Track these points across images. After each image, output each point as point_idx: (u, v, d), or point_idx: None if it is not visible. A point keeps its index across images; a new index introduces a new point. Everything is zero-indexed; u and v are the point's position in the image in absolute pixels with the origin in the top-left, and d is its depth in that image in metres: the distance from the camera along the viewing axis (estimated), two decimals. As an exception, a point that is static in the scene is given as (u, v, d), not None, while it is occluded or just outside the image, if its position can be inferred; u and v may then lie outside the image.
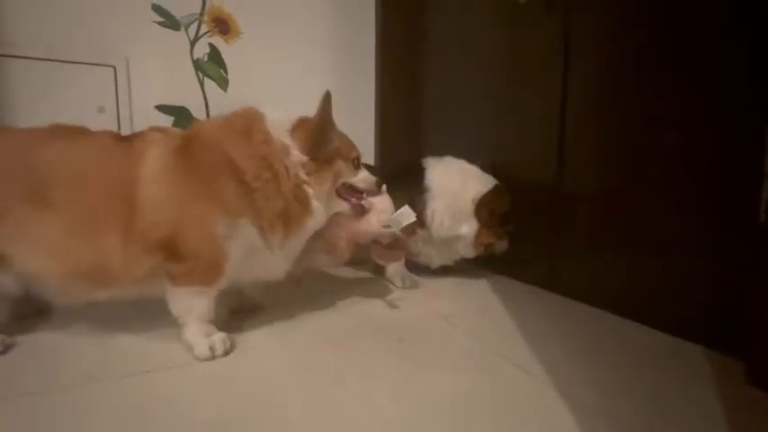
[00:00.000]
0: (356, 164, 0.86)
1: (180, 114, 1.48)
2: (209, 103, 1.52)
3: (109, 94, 1.38)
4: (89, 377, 0.63)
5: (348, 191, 0.86)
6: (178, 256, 0.67)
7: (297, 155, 0.75)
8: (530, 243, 1.15)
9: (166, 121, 1.46)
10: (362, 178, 0.87)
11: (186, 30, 1.46)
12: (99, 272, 0.68)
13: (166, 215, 0.67)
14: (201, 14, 1.47)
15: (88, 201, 0.68)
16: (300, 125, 0.78)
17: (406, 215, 0.88)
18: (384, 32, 1.70)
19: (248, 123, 0.75)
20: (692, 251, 0.79)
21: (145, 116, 1.43)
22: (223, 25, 1.50)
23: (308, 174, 0.76)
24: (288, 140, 0.76)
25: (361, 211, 0.87)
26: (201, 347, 0.69)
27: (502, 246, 1.16)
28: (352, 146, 0.86)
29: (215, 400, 0.58)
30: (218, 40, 1.51)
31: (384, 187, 0.91)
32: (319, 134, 0.77)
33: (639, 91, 0.88)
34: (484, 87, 1.33)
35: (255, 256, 0.74)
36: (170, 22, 1.43)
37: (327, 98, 0.77)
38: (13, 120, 1.27)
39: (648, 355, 0.74)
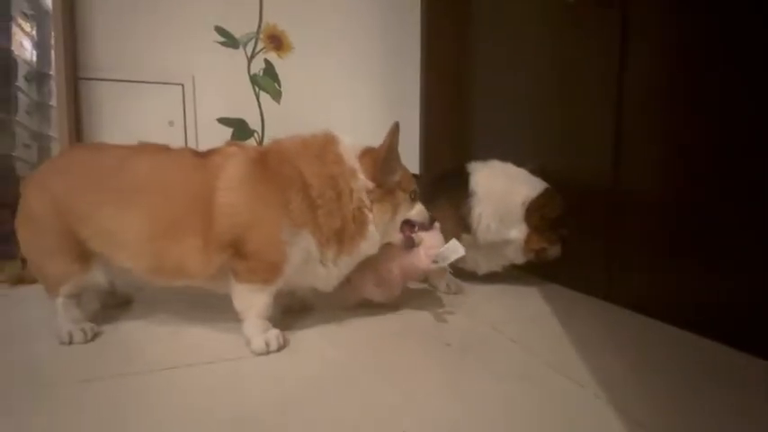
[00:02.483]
0: (413, 197, 0.89)
1: (238, 126, 1.59)
2: (264, 115, 1.61)
3: (177, 109, 1.51)
4: (162, 364, 0.69)
5: (403, 224, 0.88)
6: (244, 255, 0.74)
7: (362, 180, 0.81)
8: (584, 250, 1.10)
9: (227, 132, 1.57)
10: (418, 212, 0.90)
11: (244, 47, 1.57)
12: (179, 269, 0.77)
13: (239, 218, 0.74)
14: (258, 33, 1.57)
15: (172, 208, 0.76)
16: (368, 152, 0.84)
17: (454, 249, 0.86)
18: (429, 39, 1.72)
19: (323, 144, 0.82)
20: (759, 261, 0.72)
21: (208, 128, 1.55)
22: (277, 41, 1.60)
23: (371, 200, 0.81)
24: (356, 165, 0.81)
25: (411, 245, 0.88)
26: (258, 342, 0.74)
27: (555, 251, 1.12)
28: (411, 180, 0.90)
29: (267, 393, 0.61)
30: (272, 56, 1.60)
31: (437, 224, 0.93)
32: (385, 163, 0.82)
33: (704, 89, 0.82)
34: (533, 89, 1.30)
35: (310, 265, 0.79)
36: (230, 41, 1.55)
37: (396, 129, 0.82)
38: (98, 133, 1.44)
39: (710, 371, 0.68)
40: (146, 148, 0.84)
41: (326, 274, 0.82)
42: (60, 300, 0.79)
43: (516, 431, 0.52)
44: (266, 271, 0.75)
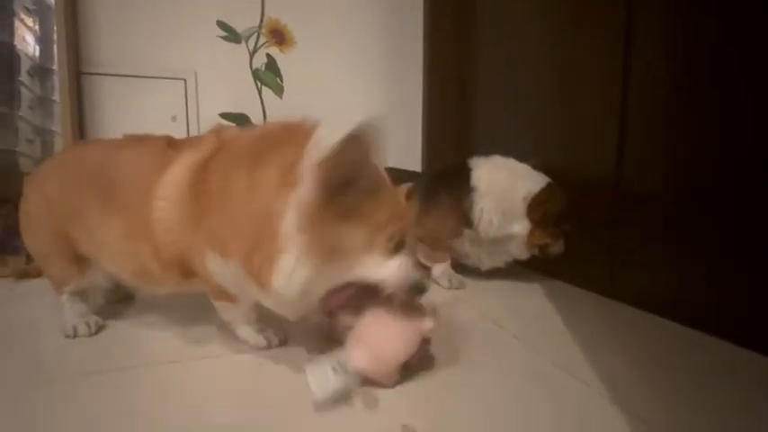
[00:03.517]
0: (395, 246, 0.56)
1: (241, 121, 1.58)
2: (266, 110, 1.61)
3: (180, 104, 1.51)
4: (164, 358, 0.69)
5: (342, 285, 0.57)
6: (193, 275, 0.67)
7: (303, 191, 0.52)
8: (586, 246, 1.09)
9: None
10: (392, 272, 0.56)
11: (246, 42, 1.56)
12: (149, 275, 0.70)
13: (172, 236, 0.64)
14: (260, 27, 1.57)
15: (131, 210, 0.69)
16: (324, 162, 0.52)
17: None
18: (432, 35, 1.71)
19: (282, 141, 0.57)
20: (761, 258, 0.72)
21: (211, 123, 1.54)
22: (279, 36, 1.59)
23: (301, 225, 0.52)
24: (308, 171, 0.53)
25: (328, 315, 0.62)
26: (256, 339, 0.73)
27: (558, 247, 1.12)
28: (398, 217, 0.57)
29: (268, 387, 0.61)
30: (274, 51, 1.60)
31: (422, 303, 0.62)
32: (333, 173, 0.51)
33: (708, 88, 0.81)
34: (536, 88, 1.29)
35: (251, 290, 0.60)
36: (232, 36, 1.54)
37: (361, 133, 0.53)
38: (100, 128, 1.44)
39: (712, 367, 0.68)
40: (126, 141, 0.78)
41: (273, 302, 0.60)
42: (65, 296, 0.80)
43: (519, 428, 0.52)
44: (221, 292, 0.67)
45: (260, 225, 0.54)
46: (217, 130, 0.71)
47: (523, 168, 1.13)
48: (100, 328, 0.80)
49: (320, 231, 0.52)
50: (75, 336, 0.77)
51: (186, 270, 0.67)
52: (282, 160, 0.55)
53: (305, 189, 0.52)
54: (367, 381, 0.57)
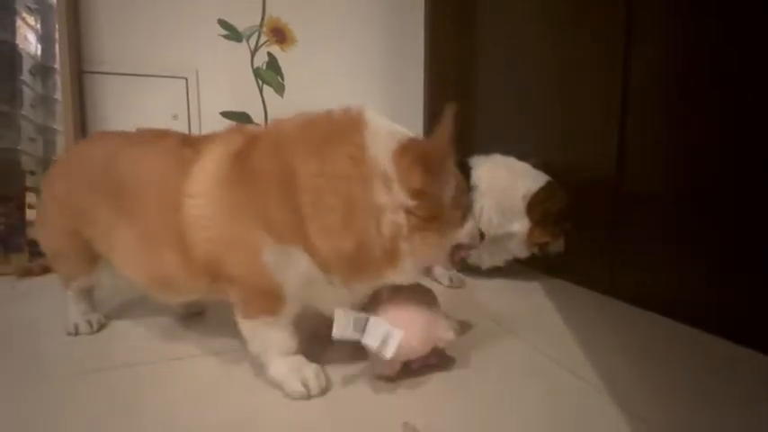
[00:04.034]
0: (465, 214, 0.62)
1: (242, 120, 1.59)
2: (268, 109, 1.61)
3: (181, 102, 1.52)
4: (167, 355, 0.70)
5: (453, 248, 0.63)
6: (228, 280, 0.58)
7: (399, 194, 0.52)
8: (587, 245, 1.09)
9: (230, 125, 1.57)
10: (468, 232, 0.63)
11: (248, 41, 1.56)
12: (170, 284, 0.65)
13: (210, 234, 0.57)
14: (261, 26, 1.57)
15: (149, 213, 0.64)
16: (410, 148, 0.54)
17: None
18: (433, 33, 1.71)
19: (338, 129, 0.55)
20: (761, 257, 0.72)
21: (212, 122, 1.55)
22: (280, 35, 1.59)
23: (410, 225, 0.53)
24: (390, 167, 0.53)
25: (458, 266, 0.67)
26: (292, 383, 0.57)
27: (558, 246, 1.12)
28: (465, 189, 0.64)
29: (269, 386, 0.62)
30: (275, 49, 1.60)
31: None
32: (440, 170, 0.54)
33: (708, 86, 0.81)
34: (536, 83, 1.29)
35: (315, 287, 0.57)
36: (233, 34, 1.54)
37: (451, 117, 0.55)
38: (102, 126, 1.44)
39: (711, 365, 0.68)
40: (138, 136, 0.75)
41: (335, 296, 0.58)
42: (70, 292, 0.80)
43: (519, 425, 0.52)
44: (262, 301, 0.57)
45: (353, 214, 0.51)
46: (236, 127, 0.67)
47: (523, 167, 1.13)
48: (102, 326, 0.81)
49: (430, 230, 0.54)
50: (76, 333, 0.78)
51: (218, 273, 0.58)
52: (349, 147, 0.53)
53: (412, 179, 0.52)
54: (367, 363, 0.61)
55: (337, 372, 0.65)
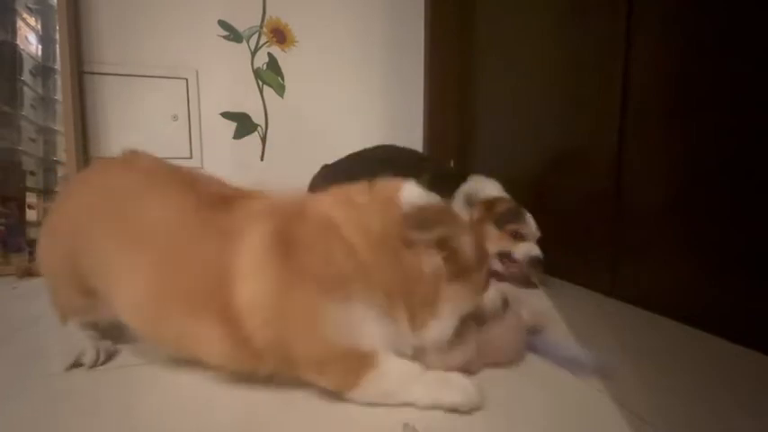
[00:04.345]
0: (487, 281, 0.65)
1: (242, 120, 1.59)
2: (268, 109, 1.61)
3: (181, 103, 1.52)
4: (166, 357, 0.70)
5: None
6: (305, 367, 0.55)
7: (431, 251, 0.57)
8: (588, 245, 1.10)
9: (231, 126, 1.58)
10: (491, 297, 0.66)
11: (248, 41, 1.56)
12: (193, 351, 0.60)
13: (269, 315, 0.54)
14: (261, 26, 1.57)
15: (181, 277, 0.59)
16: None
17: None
18: (433, 31, 1.71)
19: (382, 206, 0.58)
20: (760, 258, 0.72)
21: (212, 122, 1.55)
22: (280, 35, 1.59)
23: (446, 274, 0.57)
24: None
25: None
26: (453, 395, 0.54)
27: (525, 250, 1.11)
28: (486, 257, 0.67)
29: (269, 387, 0.62)
30: (275, 50, 1.60)
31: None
32: (436, 226, 0.57)
33: (710, 82, 0.81)
34: (535, 89, 1.29)
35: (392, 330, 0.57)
36: (233, 35, 1.55)
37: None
38: (103, 126, 1.45)
39: (714, 366, 0.68)
40: (167, 182, 0.66)
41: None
42: (72, 324, 0.71)
43: (519, 426, 0.53)
44: (352, 366, 0.54)
45: (408, 279, 0.56)
46: (259, 196, 0.65)
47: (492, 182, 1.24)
48: (110, 357, 0.69)
49: (462, 273, 0.58)
50: (79, 364, 0.66)
51: (288, 357, 0.55)
52: (387, 219, 0.57)
53: (464, 246, 0.58)
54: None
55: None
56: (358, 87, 1.70)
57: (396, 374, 0.55)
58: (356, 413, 0.54)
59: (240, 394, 0.59)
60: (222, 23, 1.53)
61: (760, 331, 0.71)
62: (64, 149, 1.34)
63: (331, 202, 0.60)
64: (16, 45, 1.29)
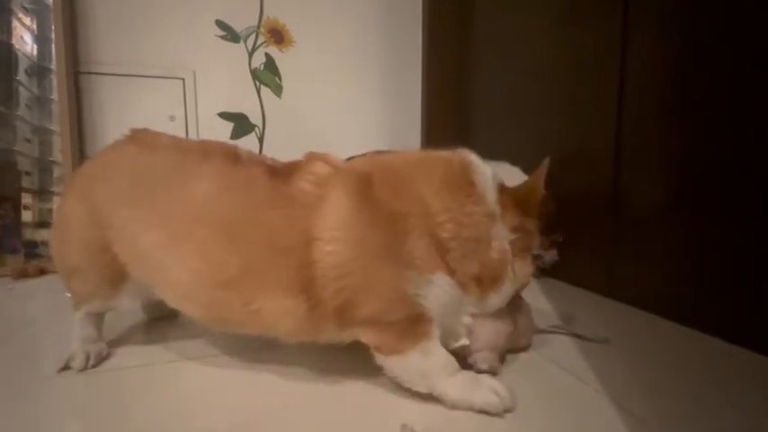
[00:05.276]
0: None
1: (239, 121, 1.58)
2: (265, 110, 1.61)
3: (178, 103, 1.51)
4: (164, 358, 0.70)
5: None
6: (363, 323, 0.56)
7: (503, 228, 0.60)
8: (585, 245, 1.10)
9: (228, 127, 1.57)
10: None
11: (245, 42, 1.56)
12: (260, 327, 0.60)
13: (348, 278, 0.54)
14: (259, 26, 1.57)
15: (245, 254, 0.57)
16: (507, 191, 0.63)
17: None
18: (431, 34, 1.71)
19: (457, 171, 0.60)
20: (758, 259, 0.72)
21: (209, 123, 1.55)
22: (278, 35, 1.59)
23: (513, 255, 0.61)
24: (495, 206, 0.60)
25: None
26: (485, 396, 0.54)
27: (551, 257, 1.12)
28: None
29: (268, 387, 0.62)
30: (273, 50, 1.60)
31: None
32: (532, 211, 0.62)
33: (709, 83, 0.81)
34: (534, 86, 1.29)
35: (453, 310, 0.59)
36: (231, 35, 1.54)
37: (545, 167, 0.62)
38: (99, 126, 1.44)
39: (707, 365, 0.69)
40: (209, 157, 0.63)
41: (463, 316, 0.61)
42: (79, 314, 0.69)
43: (517, 426, 0.53)
44: (414, 328, 0.55)
45: (479, 244, 0.58)
46: (322, 158, 0.64)
47: (514, 172, 1.13)
48: (100, 361, 0.68)
49: (527, 250, 0.63)
50: (66, 367, 0.65)
51: (351, 318, 0.55)
52: (470, 188, 0.59)
53: (512, 217, 0.61)
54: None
55: (336, 373, 0.65)
56: (356, 88, 1.70)
57: (439, 360, 0.56)
58: (355, 414, 0.54)
59: (239, 395, 0.59)
60: (219, 23, 1.53)
61: (757, 331, 0.72)
62: (60, 150, 1.34)
63: (413, 173, 0.60)
64: (12, 45, 1.29)
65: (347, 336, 0.59)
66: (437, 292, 0.56)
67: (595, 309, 0.98)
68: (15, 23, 1.30)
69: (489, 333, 0.63)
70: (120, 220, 0.62)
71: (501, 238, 0.59)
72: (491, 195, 0.60)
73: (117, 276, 0.66)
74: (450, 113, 1.73)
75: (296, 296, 0.55)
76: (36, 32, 1.34)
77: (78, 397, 0.58)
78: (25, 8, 1.31)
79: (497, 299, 0.61)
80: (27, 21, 1.32)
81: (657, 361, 0.70)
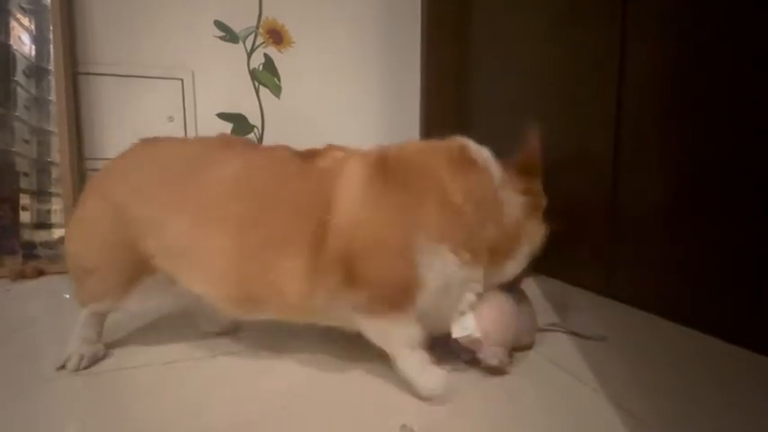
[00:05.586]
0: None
1: (238, 121, 1.58)
2: (264, 110, 1.61)
3: (177, 104, 1.51)
4: (162, 359, 0.69)
5: None
6: (361, 281, 0.58)
7: (513, 194, 0.65)
8: (584, 246, 1.10)
9: (226, 127, 1.57)
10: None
11: (244, 42, 1.56)
12: (271, 297, 0.62)
13: (360, 233, 0.58)
14: (257, 27, 1.57)
15: (270, 222, 0.61)
16: (511, 164, 0.68)
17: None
18: (430, 35, 1.71)
19: (460, 152, 0.66)
20: (757, 259, 0.72)
21: (208, 123, 1.54)
22: (277, 36, 1.59)
23: (525, 215, 0.65)
24: (500, 176, 0.65)
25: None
26: (425, 381, 0.57)
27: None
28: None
29: (266, 388, 0.62)
30: (272, 51, 1.59)
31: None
32: (536, 173, 0.68)
33: (706, 87, 0.81)
34: (532, 87, 1.29)
35: (450, 286, 0.61)
36: (229, 36, 1.54)
37: (536, 134, 0.68)
38: (97, 127, 1.44)
39: (706, 364, 0.69)
40: (230, 144, 0.69)
41: (464, 294, 0.63)
42: (84, 314, 0.70)
43: (516, 425, 0.53)
44: (393, 297, 0.58)
45: (494, 211, 0.63)
46: (340, 147, 0.70)
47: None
48: (95, 362, 0.68)
49: (538, 209, 0.68)
50: (63, 367, 0.65)
51: (350, 276, 0.58)
52: (476, 165, 0.65)
53: (519, 182, 0.66)
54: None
55: (335, 372, 0.65)
56: (355, 88, 1.70)
57: (407, 332, 0.60)
58: (355, 414, 0.54)
59: (237, 396, 0.59)
60: (218, 24, 1.52)
61: (757, 331, 0.72)
62: (58, 150, 1.33)
63: (423, 154, 0.65)
64: (10, 45, 1.28)
65: (340, 305, 0.60)
66: (439, 265, 0.59)
67: (594, 309, 0.98)
68: (13, 24, 1.29)
69: (498, 327, 0.63)
70: (148, 210, 0.64)
71: (511, 201, 0.64)
72: (493, 167, 0.65)
73: (133, 276, 0.67)
74: (450, 114, 1.73)
75: (302, 255, 0.59)
76: (34, 33, 1.34)
77: (77, 398, 0.58)
78: (23, 9, 1.31)
79: (514, 265, 0.65)
80: (25, 21, 1.32)
81: (656, 361, 0.70)
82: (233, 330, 0.81)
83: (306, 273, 0.59)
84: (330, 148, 0.69)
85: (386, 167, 0.63)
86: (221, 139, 0.71)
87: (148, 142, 0.74)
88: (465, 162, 0.64)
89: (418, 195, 0.60)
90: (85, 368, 0.66)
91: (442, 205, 0.60)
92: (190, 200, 0.63)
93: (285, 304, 0.62)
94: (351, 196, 0.60)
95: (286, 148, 0.69)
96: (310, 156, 0.67)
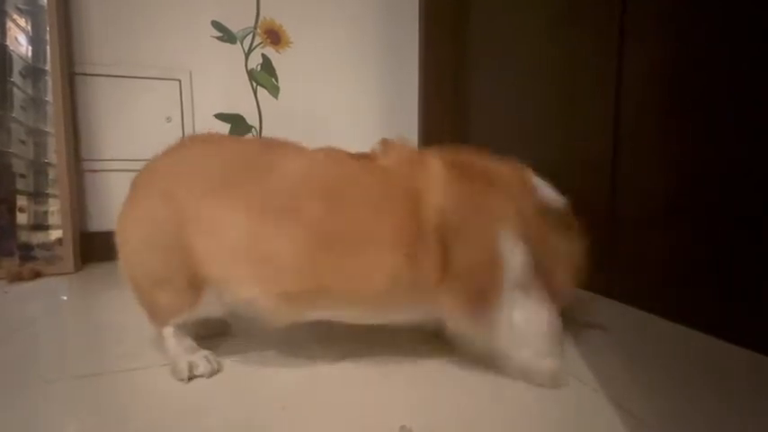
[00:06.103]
0: None
1: (236, 122, 1.58)
2: (262, 111, 1.61)
3: (175, 105, 1.50)
4: (163, 361, 0.69)
5: None
6: (452, 272, 0.60)
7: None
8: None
9: (224, 127, 1.57)
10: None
11: (241, 42, 1.56)
12: (351, 289, 0.61)
13: (448, 223, 0.60)
14: (255, 27, 1.56)
15: (345, 218, 0.61)
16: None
17: None
18: (428, 35, 1.71)
19: (527, 174, 0.74)
20: (756, 258, 0.72)
21: (206, 124, 1.54)
22: (274, 36, 1.59)
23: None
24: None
25: None
26: (544, 364, 0.62)
27: None
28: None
29: (265, 387, 0.61)
30: (270, 51, 1.59)
31: None
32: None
33: (705, 86, 0.81)
34: (531, 89, 1.29)
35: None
36: (227, 36, 1.54)
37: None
38: (95, 128, 1.43)
39: (706, 364, 0.69)
40: (288, 143, 0.69)
41: None
42: (169, 329, 0.66)
43: (516, 425, 0.52)
44: (483, 291, 0.60)
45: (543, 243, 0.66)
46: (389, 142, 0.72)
47: None
48: (220, 367, 0.66)
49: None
50: (192, 376, 0.63)
51: (447, 265, 0.60)
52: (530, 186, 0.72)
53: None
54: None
55: (335, 372, 0.65)
56: (353, 88, 1.70)
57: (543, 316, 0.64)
58: (354, 414, 0.54)
59: (237, 397, 0.59)
60: (216, 24, 1.52)
61: (757, 331, 0.72)
62: (54, 151, 1.33)
63: (491, 162, 0.70)
64: (6, 46, 1.28)
65: (432, 303, 0.62)
66: (519, 257, 0.61)
67: (594, 309, 0.98)
68: (9, 24, 1.29)
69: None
70: (208, 210, 0.60)
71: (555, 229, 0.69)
72: (548, 194, 0.73)
73: (198, 279, 0.62)
74: (448, 114, 1.73)
75: (392, 246, 0.59)
76: (30, 34, 1.33)
77: (78, 399, 0.58)
78: (19, 9, 1.30)
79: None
80: (21, 22, 1.31)
81: (656, 361, 0.70)
82: (222, 334, 0.80)
83: (393, 263, 0.59)
84: (387, 143, 0.71)
85: (462, 163, 0.66)
86: (275, 138, 0.71)
87: (199, 140, 0.71)
88: (530, 186, 0.71)
89: (496, 191, 0.64)
90: (218, 372, 0.65)
91: (518, 212, 0.64)
92: (255, 197, 0.61)
93: (364, 295, 0.61)
94: (442, 190, 0.62)
95: (340, 150, 0.69)
96: (369, 157, 0.69)
